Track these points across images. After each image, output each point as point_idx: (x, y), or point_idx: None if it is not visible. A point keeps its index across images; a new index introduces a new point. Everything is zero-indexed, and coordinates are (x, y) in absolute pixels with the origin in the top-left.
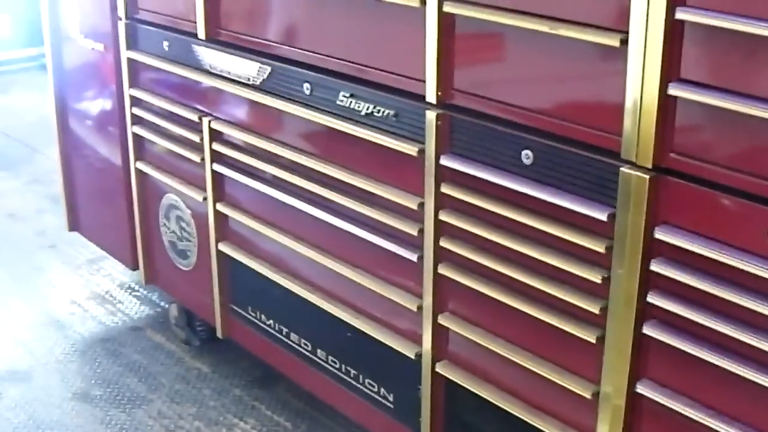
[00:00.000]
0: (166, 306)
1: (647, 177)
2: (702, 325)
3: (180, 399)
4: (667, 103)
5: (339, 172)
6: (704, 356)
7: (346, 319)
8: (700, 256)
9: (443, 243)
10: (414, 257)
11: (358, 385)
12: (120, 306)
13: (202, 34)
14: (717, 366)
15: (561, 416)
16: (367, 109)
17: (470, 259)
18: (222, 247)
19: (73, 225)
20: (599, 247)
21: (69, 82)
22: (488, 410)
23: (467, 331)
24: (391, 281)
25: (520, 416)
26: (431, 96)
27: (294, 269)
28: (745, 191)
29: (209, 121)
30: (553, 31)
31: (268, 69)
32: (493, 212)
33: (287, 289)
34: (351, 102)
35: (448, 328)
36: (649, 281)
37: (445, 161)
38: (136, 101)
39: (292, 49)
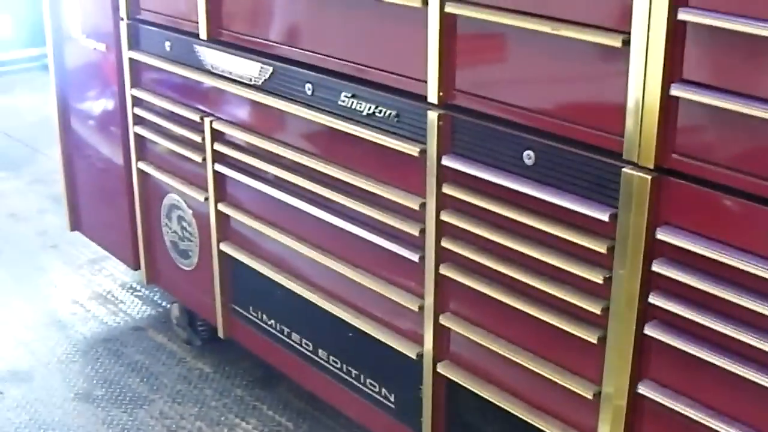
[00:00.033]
0: (168, 306)
1: (649, 177)
2: (703, 326)
3: (182, 399)
4: (669, 104)
5: (340, 172)
6: (705, 357)
7: (347, 319)
8: (702, 256)
9: (445, 243)
10: (415, 257)
11: (360, 385)
12: (122, 306)
13: (203, 35)
14: (718, 366)
15: (562, 416)
16: (369, 109)
17: (472, 260)
18: (223, 247)
19: (75, 225)
20: (601, 248)
21: (71, 82)
22: (489, 410)
23: (468, 332)
24: (393, 281)
25: (521, 416)
26: (433, 96)
27: (295, 269)
28: (747, 192)
29: (211, 122)
30: (555, 32)
31: (270, 69)
32: (494, 212)
33: (288, 289)
34: (352, 102)
35: (449, 329)
36: (651, 282)
37: (446, 161)
38: (137, 101)
39: (294, 49)
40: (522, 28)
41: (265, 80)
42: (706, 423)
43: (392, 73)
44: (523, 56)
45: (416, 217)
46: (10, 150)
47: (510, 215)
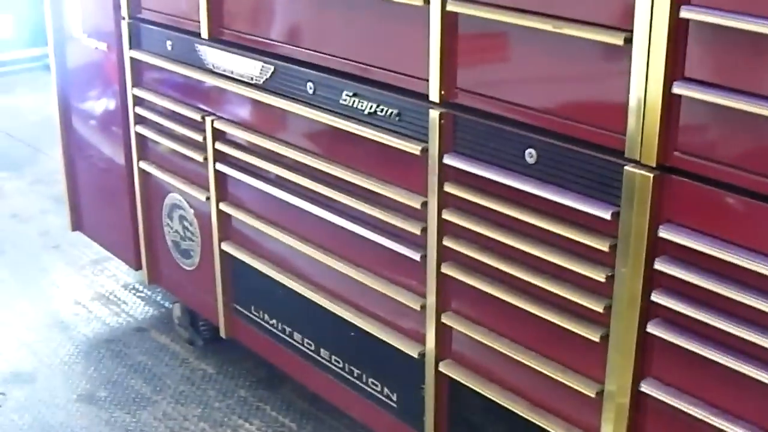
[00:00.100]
0: (170, 306)
1: (651, 176)
2: (706, 324)
3: (185, 400)
4: (671, 102)
5: (342, 171)
6: (708, 355)
7: (349, 319)
8: (705, 254)
9: (446, 242)
10: (417, 256)
11: (362, 385)
12: (124, 307)
13: (205, 34)
14: (721, 365)
15: (565, 415)
16: (371, 108)
17: (474, 258)
18: (225, 246)
19: (76, 225)
20: (603, 246)
21: (72, 81)
22: (492, 409)
23: (471, 330)
24: (395, 280)
25: (523, 415)
26: (434, 95)
27: (297, 269)
28: (750, 190)
29: (212, 121)
30: (556, 30)
31: (271, 68)
32: (496, 211)
33: (290, 288)
34: (354, 101)
35: (451, 327)
36: (653, 280)
37: (448, 160)
38: (139, 101)
39: (295, 48)
40: (524, 27)
41: (266, 79)
42: (709, 421)
43: (394, 71)
44: (525, 54)
45: (418, 215)
46: (11, 150)
47: (512, 214)
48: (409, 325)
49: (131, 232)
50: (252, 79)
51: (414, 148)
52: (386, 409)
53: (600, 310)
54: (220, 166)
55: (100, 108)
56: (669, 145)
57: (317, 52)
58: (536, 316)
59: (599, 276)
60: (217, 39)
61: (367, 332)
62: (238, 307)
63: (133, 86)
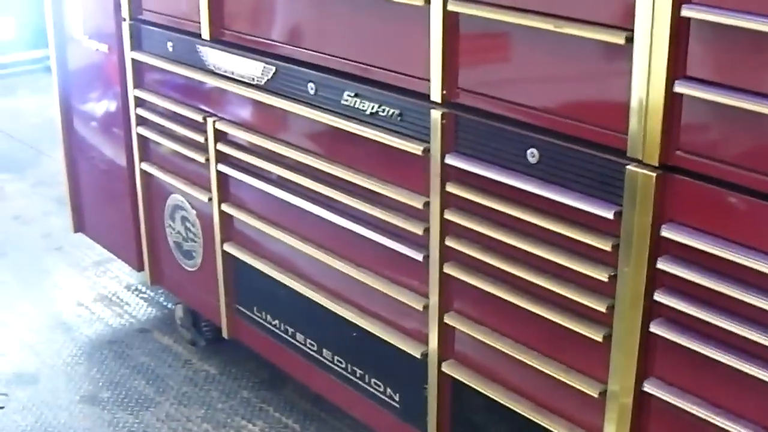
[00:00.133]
0: (173, 307)
1: (653, 175)
2: (709, 323)
3: (188, 401)
4: (673, 101)
5: (344, 171)
6: (711, 354)
7: (351, 319)
8: (707, 253)
9: (449, 242)
10: (420, 257)
11: (364, 385)
12: (127, 308)
13: (206, 35)
14: (724, 364)
15: (568, 415)
16: (372, 108)
17: (476, 258)
18: (227, 247)
19: (78, 226)
20: (605, 246)
21: (73, 83)
22: (495, 409)
23: (473, 331)
24: (397, 281)
25: (526, 415)
26: (436, 95)
27: (299, 269)
28: (752, 188)
29: (214, 122)
30: (558, 29)
31: (273, 69)
32: (498, 211)
33: (292, 289)
34: (356, 101)
35: (454, 328)
36: (656, 279)
37: (450, 160)
38: (140, 102)
39: (297, 48)
40: (525, 26)
41: (267, 80)
42: (713, 420)
43: (395, 72)
44: (527, 54)
45: (420, 216)
46: (13, 152)
47: (514, 213)
48: (412, 326)
49: (133, 233)
50: (253, 79)
51: (416, 149)
52: (389, 409)
53: (603, 309)
54: (221, 167)
55: (101, 109)
56: (671, 145)
57: (318, 52)
58: (539, 316)
59: (602, 276)
60: (218, 40)
61: (370, 332)
62: (241, 308)
63: (134, 87)
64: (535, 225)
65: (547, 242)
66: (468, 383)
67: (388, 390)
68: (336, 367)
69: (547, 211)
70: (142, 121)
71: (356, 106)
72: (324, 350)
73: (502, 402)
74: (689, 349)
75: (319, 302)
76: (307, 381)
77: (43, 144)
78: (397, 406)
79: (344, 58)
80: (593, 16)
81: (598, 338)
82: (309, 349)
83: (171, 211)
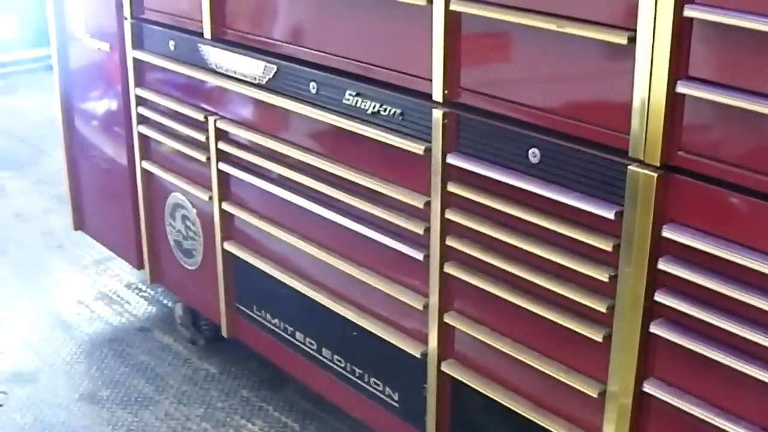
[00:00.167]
0: (173, 306)
1: (655, 175)
2: (709, 324)
3: (187, 400)
4: (675, 101)
5: (345, 171)
6: (712, 355)
7: (351, 318)
8: (708, 254)
9: (449, 242)
10: (420, 256)
11: (364, 384)
12: (127, 306)
13: (207, 34)
14: (724, 365)
15: (567, 415)
16: (374, 107)
17: (477, 258)
18: (227, 246)
19: (79, 224)
20: (606, 246)
21: (75, 82)
22: (494, 409)
23: (473, 330)
24: (398, 280)
25: (526, 415)
26: (438, 94)
27: (299, 268)
28: (754, 189)
29: (215, 121)
30: (560, 29)
31: (274, 68)
32: (499, 211)
33: (292, 288)
34: (357, 101)
35: (454, 327)
36: (657, 280)
37: (451, 160)
38: (141, 101)
39: (298, 48)
40: (527, 26)
41: (269, 79)
42: (712, 421)
43: (397, 71)
44: (529, 54)
45: (421, 215)
46: (15, 150)
47: (515, 213)
48: (412, 325)
49: (133, 231)
50: (255, 78)
51: (417, 148)
52: (388, 409)
53: (603, 310)
54: (222, 166)
55: (102, 108)
56: (673, 145)
57: (320, 51)
58: (539, 315)
59: (602, 276)
60: (219, 39)
61: (370, 332)
62: (240, 307)
63: (135, 86)
64: (536, 225)
65: (547, 242)
66: (467, 383)
67: (388, 389)
68: (335, 367)
69: (548, 210)
70: (143, 119)
71: (358, 105)
72: (324, 349)
73: (501, 402)
74: (689, 349)
75: (319, 301)
76: (306, 380)
77: (44, 142)
78: (397, 405)
79: (346, 58)
80: (596, 16)
81: (599, 338)
82: (308, 348)
83: (171, 210)
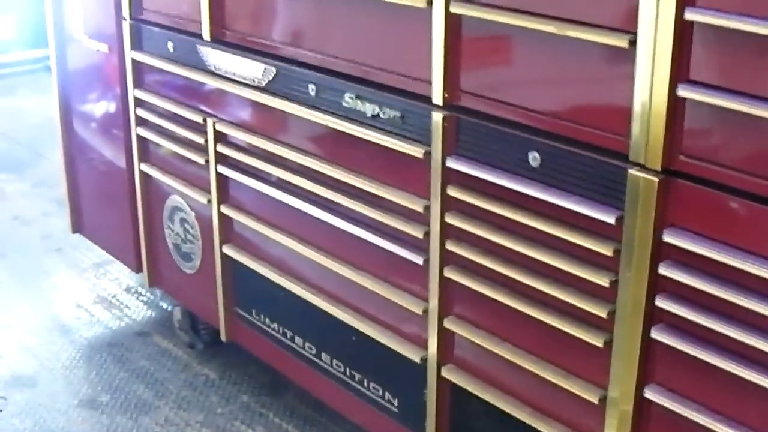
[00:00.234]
0: (171, 310)
1: (656, 179)
2: (711, 330)
3: (187, 406)
4: (676, 105)
5: (344, 174)
6: (713, 361)
7: (350, 323)
8: (709, 259)
9: (449, 246)
10: (420, 260)
11: (363, 390)
12: (126, 311)
13: (207, 35)
14: (726, 371)
15: (567, 421)
16: (373, 110)
17: (476, 262)
18: (226, 249)
19: (77, 227)
20: (607, 251)
21: (73, 83)
22: (494, 415)
23: (473, 335)
24: (397, 284)
25: (526, 421)
26: (437, 98)
27: (298, 272)
28: (755, 194)
29: (214, 123)
30: (560, 32)
31: (274, 70)
32: (499, 215)
33: (292, 292)
34: (356, 103)
35: (453, 332)
36: (658, 285)
37: (451, 163)
38: (140, 102)
39: (298, 50)
40: (528, 29)
41: (268, 81)
42: (714, 428)
43: (396, 74)
44: (529, 57)
45: (420, 219)
46: (13, 152)
47: (515, 217)
48: (411, 330)
49: (132, 234)
50: (254, 81)
51: (417, 151)
52: (387, 414)
53: (603, 315)
54: (221, 169)
55: (101, 110)
56: (674, 149)
57: (320, 54)
58: (539, 320)
59: (603, 281)
60: (219, 40)
61: (369, 336)
62: (239, 311)
63: (134, 88)
64: (536, 229)
65: (548, 246)
66: (467, 388)
67: (387, 394)
68: (334, 371)
69: (548, 215)
70: (141, 121)
71: (357, 108)
72: (323, 354)
73: (501, 407)
74: (690, 355)
75: (318, 305)
76: (306, 385)
77: (43, 144)
78: (396, 410)
79: (345, 60)
80: (596, 19)
81: (599, 344)
82: (307, 352)
83: (170, 213)
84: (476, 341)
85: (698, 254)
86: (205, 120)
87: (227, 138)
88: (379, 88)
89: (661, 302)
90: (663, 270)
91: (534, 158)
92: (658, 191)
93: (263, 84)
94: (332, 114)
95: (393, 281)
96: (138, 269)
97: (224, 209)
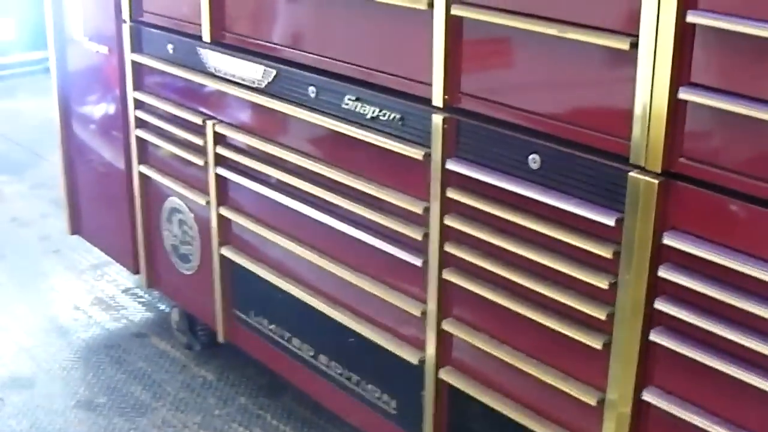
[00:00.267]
0: (169, 311)
1: (656, 182)
2: (710, 332)
3: (185, 407)
4: (677, 108)
5: (344, 176)
6: (712, 364)
7: (348, 325)
8: (709, 262)
9: (448, 248)
10: (419, 262)
11: (361, 391)
12: (124, 312)
13: (207, 37)
14: (725, 374)
15: (566, 424)
16: (373, 112)
17: (475, 265)
18: (224, 251)
19: (75, 228)
20: (606, 253)
21: (73, 85)
22: (492, 417)
23: (471, 337)
24: (395, 286)
25: (524, 423)
26: (438, 100)
27: (297, 274)
28: (756, 196)
29: (213, 125)
30: (561, 35)
31: (274, 72)
32: (499, 217)
33: (290, 293)
34: (356, 105)
35: (452, 334)
36: (657, 287)
37: (451, 165)
38: (139, 104)
39: (298, 52)
40: (528, 31)
41: (268, 83)
42: (712, 430)
43: (397, 76)
44: (530, 59)
45: (420, 221)
46: (12, 154)
47: (515, 220)
48: (410, 332)
49: (130, 235)
50: (254, 82)
51: (416, 153)
52: (385, 416)
53: (603, 317)
54: (220, 170)
55: (100, 111)
56: (674, 151)
57: (320, 55)
58: (538, 323)
59: (602, 283)
60: (218, 42)
61: (367, 338)
62: (237, 312)
63: (133, 90)
64: (536, 231)
65: (547, 249)
66: (465, 390)
67: (385, 396)
68: (332, 373)
69: (547, 217)
70: (141, 123)
71: (357, 110)
72: (321, 355)
73: (499, 410)
74: (689, 358)
75: (316, 307)
76: (303, 387)
77: (42, 146)
78: (394, 412)
79: (346, 62)
80: (597, 22)
81: (598, 346)
82: (306, 354)
83: (168, 214)
84: (474, 343)
85: (698, 257)
86: (204, 122)
87: (226, 140)
88: (379, 90)
89: (660, 305)
90: (663, 272)
91: (534, 160)
92: (659, 194)
93: (263, 86)
94: (332, 116)
95: (391, 283)
96: (136, 270)
97: (223, 211)
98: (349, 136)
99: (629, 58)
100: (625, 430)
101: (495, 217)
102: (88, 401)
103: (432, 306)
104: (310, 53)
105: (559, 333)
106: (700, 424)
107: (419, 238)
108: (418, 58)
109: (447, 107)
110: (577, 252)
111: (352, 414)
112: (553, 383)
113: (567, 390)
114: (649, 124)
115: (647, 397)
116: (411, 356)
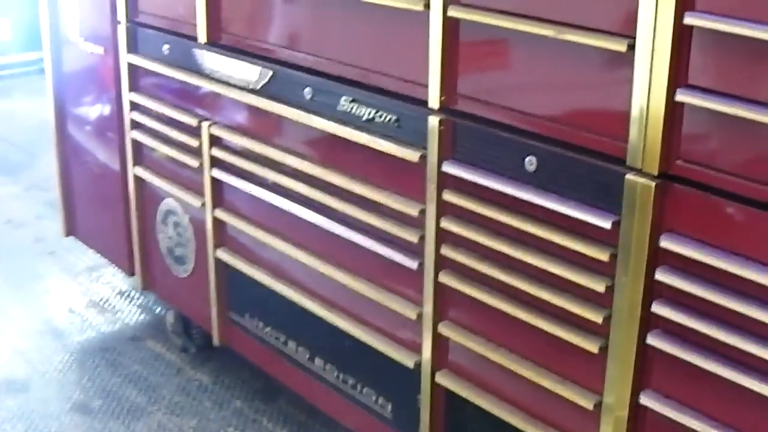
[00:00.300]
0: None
1: (653, 184)
2: (707, 336)
3: (180, 411)
4: (674, 110)
5: (339, 178)
6: (709, 367)
7: (344, 328)
8: (706, 264)
9: (444, 251)
10: (414, 265)
11: (356, 395)
12: (120, 315)
13: (202, 38)
14: (722, 377)
15: (562, 427)
16: (369, 114)
17: (471, 268)
18: (219, 253)
19: (70, 229)
20: (603, 256)
21: (68, 86)
22: (488, 421)
23: (467, 341)
24: (391, 289)
25: (520, 427)
26: (434, 101)
27: (292, 276)
28: (753, 199)
29: (208, 126)
30: (558, 36)
31: (269, 73)
32: (495, 220)
33: (285, 296)
34: (352, 107)
35: (448, 337)
36: (654, 290)
37: (447, 168)
38: (135, 106)
39: (294, 53)
40: (525, 33)
41: (264, 84)
42: None
43: (393, 77)
44: (527, 61)
45: (416, 223)
46: (7, 155)
47: (511, 222)
48: (406, 335)
49: (125, 237)
50: (249, 84)
51: (412, 155)
52: (381, 419)
53: (599, 320)
54: (215, 172)
55: (95, 113)
56: (671, 154)
57: (316, 57)
58: (534, 326)
59: (599, 286)
60: (214, 43)
61: (363, 341)
62: (232, 315)
63: (129, 91)
64: (532, 234)
65: (543, 252)
66: (461, 394)
67: (381, 400)
68: (328, 376)
69: (544, 219)
70: (136, 125)
71: (353, 111)
72: (316, 359)
73: (495, 413)
74: (686, 361)
75: (312, 310)
76: (299, 390)
77: (37, 147)
78: (390, 416)
79: (342, 63)
80: (595, 23)
81: (594, 349)
82: (301, 357)
83: (163, 216)
84: (471, 346)
85: (695, 260)
86: (199, 123)
87: (222, 141)
88: (375, 92)
89: (657, 308)
90: (659, 275)
91: (530, 162)
92: (655, 196)
93: (258, 87)
94: (328, 117)
95: (387, 286)
96: (131, 273)
97: (218, 213)
98: (344, 138)
99: (626, 60)
100: None
101: (491, 219)
102: (83, 405)
103: (428, 309)
104: (306, 54)
105: (556, 336)
106: (697, 428)
107: (415, 240)
108: (415, 60)
109: (443, 109)
110: (573, 255)
111: (348, 417)
112: (549, 387)
113: (564, 393)
114: (646, 126)
115: (644, 400)
116: (407, 359)
